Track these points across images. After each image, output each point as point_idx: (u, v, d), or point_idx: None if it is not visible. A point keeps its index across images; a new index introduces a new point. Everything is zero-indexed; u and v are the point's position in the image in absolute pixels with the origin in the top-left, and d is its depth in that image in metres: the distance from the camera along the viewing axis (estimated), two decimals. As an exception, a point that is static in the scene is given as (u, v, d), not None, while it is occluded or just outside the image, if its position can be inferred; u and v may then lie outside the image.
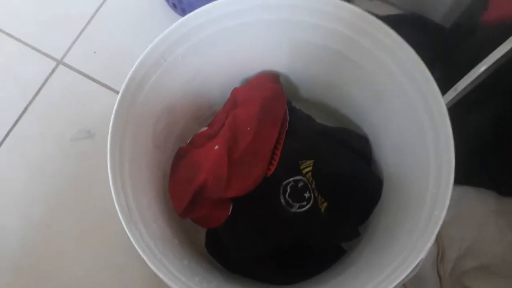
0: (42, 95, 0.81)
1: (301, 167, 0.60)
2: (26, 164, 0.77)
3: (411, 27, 0.75)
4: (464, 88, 0.59)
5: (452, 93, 0.60)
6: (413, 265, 0.42)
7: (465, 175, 0.48)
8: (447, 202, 0.44)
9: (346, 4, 0.51)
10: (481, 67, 0.59)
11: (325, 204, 0.59)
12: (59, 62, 0.83)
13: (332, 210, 0.59)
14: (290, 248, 0.61)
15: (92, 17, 0.86)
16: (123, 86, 0.48)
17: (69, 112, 0.80)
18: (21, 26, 0.86)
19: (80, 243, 0.73)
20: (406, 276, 0.43)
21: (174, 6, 0.80)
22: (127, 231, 0.43)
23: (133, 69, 0.48)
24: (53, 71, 0.83)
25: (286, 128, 0.62)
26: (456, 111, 0.54)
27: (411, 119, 0.51)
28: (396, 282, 0.42)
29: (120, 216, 0.43)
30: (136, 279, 0.69)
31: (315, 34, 0.56)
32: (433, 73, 0.48)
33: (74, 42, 0.85)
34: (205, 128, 0.64)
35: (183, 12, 0.78)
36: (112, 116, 0.47)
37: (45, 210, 0.74)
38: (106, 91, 0.81)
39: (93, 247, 0.72)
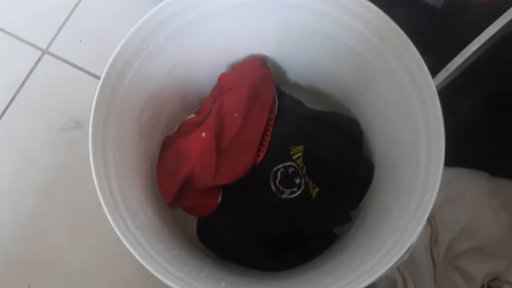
0: (28, 85, 0.80)
1: (292, 153, 0.59)
2: (14, 156, 0.77)
3: (403, 8, 0.74)
4: (456, 69, 0.59)
5: (444, 73, 0.59)
6: (405, 249, 0.42)
7: (457, 156, 0.48)
8: (438, 185, 0.43)
9: (336, -14, 0.50)
10: (473, 47, 0.59)
11: (316, 190, 0.58)
12: (44, 51, 0.82)
13: (324, 196, 0.58)
14: (282, 234, 0.60)
15: (77, 4, 0.85)
16: (103, 74, 0.47)
17: (56, 102, 0.79)
18: (4, 16, 0.84)
19: (72, 235, 0.72)
20: (398, 260, 0.42)
21: (159, -9, 0.78)
22: (112, 222, 0.42)
23: (113, 56, 0.47)
24: (38, 60, 0.81)
25: (275, 114, 0.61)
26: (448, 92, 0.53)
27: (401, 101, 0.51)
28: (388, 266, 0.42)
29: (104, 206, 0.43)
30: (130, 271, 0.69)
31: (305, 17, 0.54)
32: (425, 54, 0.47)
33: (59, 31, 0.83)
34: (192, 115, 0.63)
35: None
36: (93, 105, 0.46)
37: (36, 202, 0.74)
38: (93, 80, 0.80)
39: (85, 238, 0.72)
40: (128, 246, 0.41)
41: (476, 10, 0.68)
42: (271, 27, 0.58)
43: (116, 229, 0.42)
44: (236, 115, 0.56)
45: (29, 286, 0.70)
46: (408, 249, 0.43)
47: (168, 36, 0.52)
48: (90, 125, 0.45)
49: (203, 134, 0.54)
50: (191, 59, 0.58)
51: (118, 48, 0.47)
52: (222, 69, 0.65)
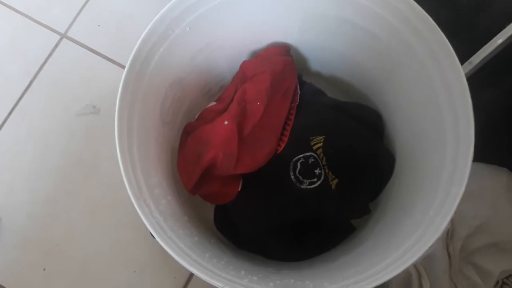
0: (46, 69, 0.80)
1: (312, 143, 0.59)
2: (32, 139, 0.77)
3: (427, -1, 0.73)
4: (480, 62, 0.58)
5: (468, 66, 0.58)
6: (430, 243, 0.41)
7: (477, 151, 0.47)
8: (466, 179, 0.43)
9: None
10: (498, 40, 0.58)
11: (335, 181, 0.58)
12: (63, 35, 0.81)
13: (343, 187, 0.58)
14: (300, 224, 0.60)
15: (96, -12, 0.84)
16: (130, 59, 0.46)
17: (74, 87, 0.79)
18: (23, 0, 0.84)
19: (88, 219, 0.73)
20: (421, 256, 0.42)
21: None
22: (137, 208, 0.42)
23: (139, 41, 0.47)
24: (56, 45, 0.81)
25: (297, 103, 0.61)
26: (470, 84, 0.52)
27: (427, 93, 0.50)
28: (411, 261, 0.41)
29: (130, 193, 0.42)
30: (146, 255, 0.70)
31: (329, 4, 0.53)
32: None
33: (77, 15, 0.83)
34: (213, 103, 0.63)
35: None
36: (119, 91, 0.45)
37: (52, 186, 0.74)
38: (111, 65, 0.80)
39: (101, 223, 0.72)
40: (153, 231, 0.41)
41: (502, 2, 0.67)
42: (294, 15, 0.58)
43: (141, 214, 0.42)
44: (258, 103, 0.56)
45: (44, 269, 0.70)
46: (432, 244, 0.42)
47: (193, 22, 0.51)
48: (116, 110, 0.44)
49: (226, 122, 0.54)
50: (214, 46, 0.58)
51: (144, 34, 0.47)
52: (244, 56, 0.64)
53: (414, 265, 0.64)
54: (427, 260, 0.64)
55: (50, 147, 0.76)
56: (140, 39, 0.47)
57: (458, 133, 0.45)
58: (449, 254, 0.65)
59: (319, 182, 0.58)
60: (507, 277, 0.65)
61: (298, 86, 0.62)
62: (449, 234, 0.66)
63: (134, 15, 0.82)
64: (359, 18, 0.53)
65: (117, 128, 0.44)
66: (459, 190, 0.42)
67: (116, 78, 0.47)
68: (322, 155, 0.58)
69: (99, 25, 0.82)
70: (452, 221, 0.66)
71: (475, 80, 0.58)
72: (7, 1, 0.84)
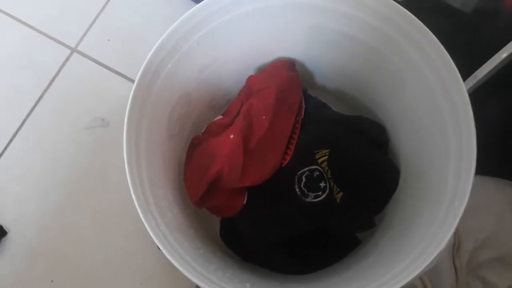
0: (57, 83, 0.81)
1: (317, 156, 0.59)
2: (42, 152, 0.78)
3: (430, 12, 0.73)
4: (484, 75, 0.58)
5: (472, 80, 0.59)
6: (432, 257, 0.42)
7: (483, 164, 0.47)
8: (468, 193, 0.43)
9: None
10: (502, 54, 0.58)
11: (340, 194, 0.58)
12: (73, 50, 0.83)
13: (348, 200, 0.58)
14: (305, 238, 0.60)
15: (106, 3, 0.86)
16: (139, 74, 0.47)
17: (83, 100, 0.80)
18: (35, 14, 0.86)
19: (95, 231, 0.73)
20: (425, 268, 0.42)
21: (188, -8, 0.79)
22: (144, 221, 0.43)
23: (149, 56, 0.48)
24: (67, 59, 0.83)
25: (302, 117, 0.62)
26: (475, 98, 0.53)
27: (430, 107, 0.50)
28: (414, 274, 0.42)
29: (137, 206, 0.43)
30: (152, 266, 0.70)
31: (334, 20, 0.54)
32: (452, 60, 0.47)
33: (88, 30, 0.84)
34: (220, 117, 0.64)
35: (197, -2, 0.78)
36: (128, 104, 0.46)
37: (61, 198, 0.75)
38: (120, 79, 0.81)
39: (109, 234, 0.73)
40: (159, 244, 0.42)
41: (506, 16, 0.67)
42: (300, 30, 0.59)
43: (148, 227, 0.42)
44: (263, 117, 0.56)
45: (52, 281, 0.71)
46: (435, 258, 0.42)
47: (200, 38, 0.52)
48: (125, 124, 0.45)
49: (232, 136, 0.55)
50: (221, 61, 0.59)
51: (154, 49, 0.48)
52: (251, 71, 0.65)
53: (420, 278, 0.64)
54: (433, 273, 0.64)
55: (59, 159, 0.77)
56: (149, 55, 0.48)
57: (461, 147, 0.45)
58: (455, 268, 0.65)
59: (324, 196, 0.58)
60: (514, 291, 0.65)
61: (303, 101, 0.63)
62: (455, 247, 0.65)
63: (143, 30, 0.83)
64: (361, 34, 0.54)
65: (125, 142, 0.45)
66: (462, 204, 0.42)
67: (125, 91, 0.48)
68: (327, 168, 0.59)
69: (108, 40, 0.84)
70: (458, 234, 0.66)
71: (480, 94, 0.59)
72: (19, 16, 0.86)
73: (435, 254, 0.42)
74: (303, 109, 0.62)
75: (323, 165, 0.59)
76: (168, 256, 0.42)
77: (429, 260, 0.42)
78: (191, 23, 0.50)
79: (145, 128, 0.49)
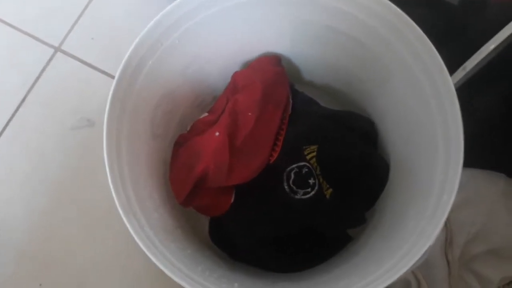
0: (41, 83, 0.80)
1: (305, 153, 0.58)
2: (27, 153, 0.77)
3: (418, 4, 0.73)
4: (473, 67, 0.58)
5: (461, 72, 0.58)
6: (422, 252, 0.41)
7: (474, 157, 0.47)
8: (456, 187, 0.43)
9: (351, -17, 0.49)
10: (491, 46, 0.58)
11: (330, 190, 0.57)
12: (57, 49, 0.82)
13: (338, 196, 0.57)
14: (295, 235, 0.60)
15: (89, 2, 0.84)
16: (118, 72, 0.46)
17: (69, 100, 0.79)
18: (17, 13, 0.84)
19: (84, 233, 0.72)
20: (415, 263, 0.42)
21: (172, -11, 0.78)
22: (126, 222, 0.42)
23: (128, 53, 0.47)
24: (51, 58, 0.81)
25: (289, 113, 0.61)
26: (464, 91, 0.53)
27: (418, 100, 0.50)
28: (404, 270, 0.41)
29: (118, 207, 0.42)
30: (141, 267, 0.69)
31: (319, 14, 0.53)
32: (440, 52, 0.47)
33: (71, 29, 0.83)
34: (205, 115, 0.63)
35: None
36: (108, 103, 0.45)
37: (48, 200, 0.74)
38: (105, 78, 0.80)
39: (97, 236, 0.72)
40: (142, 245, 0.41)
41: (494, 8, 0.67)
42: (285, 25, 0.58)
43: (130, 229, 0.41)
44: (249, 114, 0.56)
45: (41, 285, 0.70)
46: (425, 252, 0.42)
47: (182, 34, 0.52)
48: (105, 124, 0.45)
49: (217, 134, 0.54)
50: (205, 57, 0.58)
51: (132, 46, 0.47)
52: (236, 67, 0.64)
53: (413, 273, 0.63)
54: (426, 267, 0.64)
55: (46, 160, 0.76)
56: (129, 50, 0.47)
57: (448, 141, 0.45)
58: (448, 262, 0.65)
59: (313, 192, 0.57)
60: (507, 284, 0.65)
61: (291, 96, 0.62)
62: (447, 241, 0.65)
63: (128, 28, 0.82)
64: (347, 28, 0.53)
65: (105, 141, 0.45)
66: (450, 198, 0.42)
67: (110, 90, 0.47)
68: (315, 164, 0.58)
69: (92, 38, 0.82)
70: (450, 228, 0.65)
71: (469, 85, 0.58)
72: (1, 16, 0.84)
73: (425, 248, 0.42)
74: (290, 105, 0.61)
75: (311, 161, 0.58)
76: (152, 257, 0.41)
77: (419, 255, 0.41)
78: (172, 19, 0.49)
79: (126, 127, 0.48)
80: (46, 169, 0.76)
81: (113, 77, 0.78)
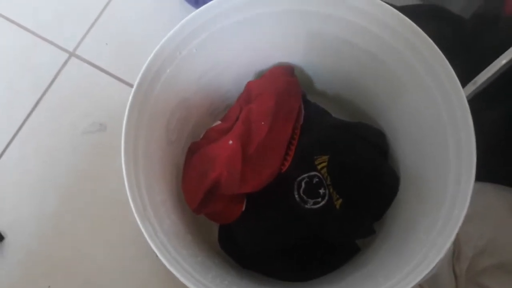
0: (55, 87, 0.81)
1: (316, 163, 0.59)
2: (39, 156, 0.78)
3: (430, 18, 0.73)
4: (484, 82, 0.58)
5: (471, 86, 0.59)
6: (432, 265, 0.41)
7: (483, 170, 0.47)
8: (468, 201, 0.43)
9: (366, -4, 0.49)
10: (502, 60, 0.58)
11: (340, 201, 0.58)
12: (71, 54, 0.83)
13: (347, 207, 0.58)
14: (304, 244, 0.60)
15: (105, 8, 0.86)
16: (137, 79, 0.47)
17: (81, 104, 0.80)
18: (33, 18, 0.86)
19: (93, 236, 0.73)
20: (425, 276, 0.42)
21: (187, -2, 0.79)
22: (142, 228, 0.42)
23: (148, 61, 0.47)
24: (65, 63, 0.82)
25: (301, 123, 0.61)
26: (474, 105, 0.53)
27: (430, 114, 0.50)
28: (414, 283, 0.42)
29: (135, 212, 0.43)
30: (148, 271, 0.70)
31: (334, 27, 0.54)
32: (452, 66, 0.47)
33: (86, 34, 0.84)
34: (218, 123, 0.63)
35: (196, 3, 0.77)
36: (127, 109, 0.46)
37: (58, 202, 0.75)
38: (118, 83, 0.81)
39: (106, 239, 0.72)
40: (156, 251, 0.41)
41: (506, 22, 0.67)
42: (299, 36, 0.58)
43: (145, 234, 0.42)
44: (262, 123, 0.56)
45: (49, 286, 0.70)
46: (435, 266, 0.42)
47: (199, 44, 0.52)
48: (124, 129, 0.45)
49: (230, 142, 0.55)
50: (220, 67, 0.59)
51: (153, 53, 0.48)
52: (250, 76, 0.65)
53: (420, 286, 0.63)
54: (433, 280, 0.64)
55: (57, 164, 0.77)
56: (149, 59, 0.48)
57: (460, 155, 0.45)
58: (455, 275, 0.64)
59: (323, 202, 0.58)
60: (514, 298, 0.64)
61: (303, 106, 0.63)
62: (455, 254, 0.65)
63: (142, 34, 0.83)
64: (360, 41, 0.54)
65: (123, 147, 0.45)
66: (462, 212, 0.42)
67: (122, 95, 0.48)
68: (326, 174, 0.58)
69: (107, 44, 0.83)
70: (458, 241, 0.65)
71: (480, 100, 0.58)
72: (17, 19, 0.86)
73: (436, 261, 0.42)
74: (302, 115, 0.62)
75: (322, 171, 0.58)
76: (166, 263, 0.42)
77: (429, 269, 0.42)
78: (190, 29, 0.50)
79: (143, 134, 0.48)
80: (57, 172, 0.76)
81: (126, 82, 0.79)
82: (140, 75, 0.47)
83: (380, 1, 0.49)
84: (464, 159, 0.45)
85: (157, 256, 0.42)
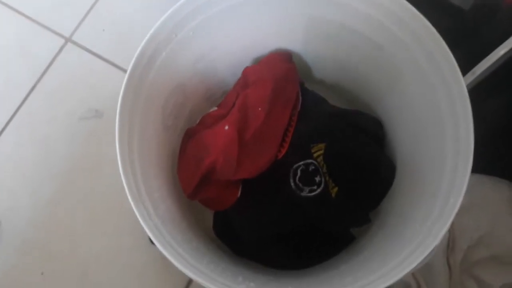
0: (51, 73, 0.81)
1: (313, 150, 0.58)
2: (35, 142, 0.77)
3: (429, 9, 0.73)
4: (483, 72, 0.58)
5: (470, 76, 0.58)
6: (428, 252, 0.41)
7: (480, 163, 0.47)
8: (464, 190, 0.43)
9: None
10: (501, 51, 0.58)
11: (336, 189, 0.57)
12: (68, 39, 0.82)
13: (343, 195, 0.58)
14: (299, 232, 0.60)
15: (102, -6, 0.85)
16: (132, 62, 0.47)
17: (77, 91, 0.79)
18: (29, 3, 0.85)
19: (88, 223, 0.73)
20: (418, 264, 0.42)
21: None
22: (136, 211, 0.42)
23: (143, 43, 0.47)
24: (61, 49, 0.82)
25: (298, 110, 0.61)
26: (473, 95, 0.53)
27: (429, 102, 0.50)
28: (409, 269, 0.41)
29: (129, 195, 0.42)
30: (144, 261, 0.70)
31: (333, 12, 0.54)
32: (452, 55, 0.47)
33: (83, 20, 0.83)
34: (215, 108, 0.63)
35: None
36: (121, 94, 0.45)
37: (54, 189, 0.74)
38: (115, 69, 0.80)
39: (102, 227, 0.72)
40: (150, 234, 0.41)
41: (505, 13, 0.67)
42: (298, 22, 0.58)
43: (139, 217, 0.42)
44: (259, 109, 0.56)
45: (42, 273, 0.70)
46: (430, 252, 0.42)
47: (196, 27, 0.52)
48: (118, 113, 0.45)
49: (226, 127, 0.54)
50: (217, 51, 0.58)
51: (147, 37, 0.47)
52: (247, 62, 0.64)
53: (414, 276, 0.63)
54: (427, 271, 0.64)
55: (53, 150, 0.76)
56: (143, 42, 0.48)
57: (458, 144, 0.45)
58: (449, 266, 0.65)
59: (319, 190, 0.57)
60: (508, 290, 0.65)
61: (300, 93, 0.62)
62: (450, 246, 0.65)
63: (139, 20, 0.82)
64: (360, 26, 0.53)
65: (118, 132, 0.45)
66: (457, 200, 0.42)
67: (119, 82, 0.47)
68: (322, 162, 0.58)
69: (103, 30, 0.83)
70: (453, 232, 0.65)
71: (478, 90, 0.58)
72: (13, 5, 0.85)
73: (430, 249, 0.42)
74: (300, 102, 0.62)
75: (318, 159, 0.58)
76: (160, 247, 0.41)
77: (424, 255, 0.41)
78: (186, 11, 0.50)
79: (139, 119, 0.48)
80: (52, 159, 0.76)
81: (123, 69, 0.79)
82: (134, 57, 0.47)
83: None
84: (462, 148, 0.45)
85: (152, 243, 0.42)
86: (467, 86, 0.58)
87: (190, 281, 0.68)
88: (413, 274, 0.63)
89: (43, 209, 0.73)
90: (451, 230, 0.66)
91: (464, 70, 0.58)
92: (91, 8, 0.84)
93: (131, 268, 0.70)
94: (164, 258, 0.42)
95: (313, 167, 0.58)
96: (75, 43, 0.82)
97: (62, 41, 0.82)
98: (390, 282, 0.42)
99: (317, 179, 0.58)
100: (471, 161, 0.43)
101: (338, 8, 0.52)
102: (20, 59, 0.82)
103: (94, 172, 0.75)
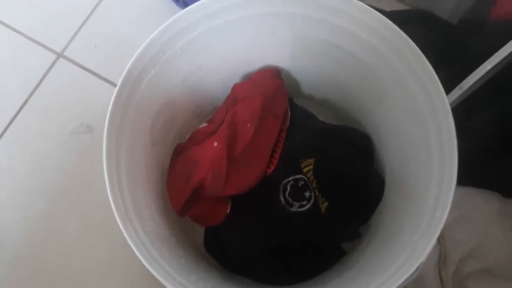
0: (42, 88, 0.81)
1: (302, 166, 0.59)
2: (26, 157, 0.77)
3: (418, 23, 0.74)
4: (470, 87, 0.58)
5: (458, 91, 0.59)
6: (414, 267, 0.42)
7: (469, 176, 0.47)
8: (449, 204, 0.43)
9: (353, 0, 0.49)
10: (487, 66, 0.58)
11: (325, 204, 0.58)
12: (60, 55, 0.82)
13: (333, 210, 0.58)
14: (289, 248, 0.60)
15: (94, 9, 0.85)
16: (120, 80, 0.47)
17: (69, 106, 0.80)
18: (22, 19, 0.85)
19: (80, 237, 0.72)
20: (407, 279, 0.42)
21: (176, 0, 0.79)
22: (123, 229, 0.42)
23: (130, 62, 0.47)
24: (53, 64, 0.82)
25: (287, 126, 0.61)
26: (461, 110, 0.53)
27: (414, 118, 0.50)
28: (398, 283, 0.41)
29: (116, 214, 0.43)
30: (137, 274, 0.69)
31: (320, 30, 0.54)
32: (439, 71, 0.47)
33: (75, 35, 0.84)
34: (204, 125, 0.63)
35: (185, 5, 0.77)
36: (109, 111, 0.46)
37: (45, 204, 0.74)
38: (106, 85, 0.80)
39: (94, 241, 0.72)
40: (137, 252, 0.41)
41: (493, 27, 0.68)
42: (286, 39, 0.59)
43: (126, 235, 0.42)
44: (248, 125, 0.56)
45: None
46: (417, 268, 0.42)
47: (184, 45, 0.52)
48: (105, 130, 0.45)
49: (215, 144, 0.54)
50: (206, 68, 0.59)
51: (136, 55, 0.48)
52: (236, 79, 0.65)
53: (406, 288, 0.63)
54: (419, 284, 0.64)
55: (44, 165, 0.76)
56: (131, 60, 0.48)
57: (443, 158, 0.45)
58: (441, 279, 0.64)
59: (309, 205, 0.58)
60: (500, 303, 0.65)
61: (289, 109, 0.63)
62: (441, 259, 0.65)
63: (131, 36, 0.83)
64: (346, 44, 0.54)
65: (105, 148, 0.45)
66: (443, 214, 0.42)
67: (110, 97, 0.47)
68: (312, 177, 0.58)
69: (95, 46, 0.83)
70: (444, 245, 0.65)
71: (466, 105, 0.59)
72: (6, 20, 0.85)
73: (416, 264, 0.42)
74: (289, 118, 0.62)
75: (308, 175, 0.58)
76: (147, 265, 0.41)
77: (411, 271, 0.42)
78: (174, 30, 0.50)
79: (127, 135, 0.48)
80: (44, 174, 0.76)
81: (114, 84, 0.79)
82: (122, 75, 0.47)
83: (368, 6, 0.49)
84: (447, 163, 0.45)
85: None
86: (455, 100, 0.58)
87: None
88: (405, 286, 0.63)
89: (35, 222, 0.73)
90: (442, 243, 0.66)
91: (453, 84, 0.58)
92: (83, 23, 0.84)
93: (124, 281, 0.70)
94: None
95: (302, 182, 0.58)
96: (67, 58, 0.82)
97: (54, 56, 0.82)
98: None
99: (307, 194, 0.58)
100: (455, 176, 0.44)
101: (324, 26, 0.53)
102: (12, 74, 0.82)
103: (85, 186, 0.75)
